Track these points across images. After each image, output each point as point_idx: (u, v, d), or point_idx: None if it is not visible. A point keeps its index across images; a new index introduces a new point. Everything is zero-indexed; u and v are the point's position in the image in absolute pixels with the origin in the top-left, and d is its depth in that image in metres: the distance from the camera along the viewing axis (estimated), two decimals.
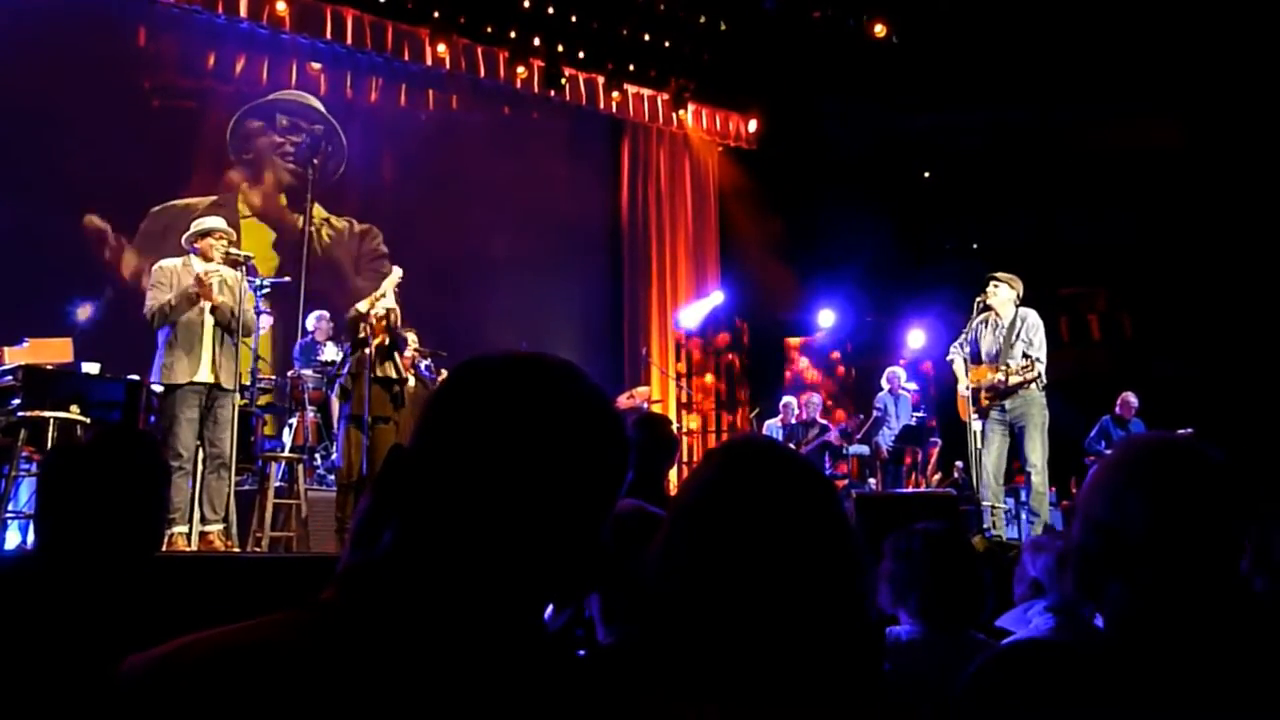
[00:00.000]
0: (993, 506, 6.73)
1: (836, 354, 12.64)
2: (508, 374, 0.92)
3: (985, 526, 6.58)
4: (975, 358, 6.97)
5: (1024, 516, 7.23)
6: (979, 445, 6.82)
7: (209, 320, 5.59)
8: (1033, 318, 6.86)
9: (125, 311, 7.78)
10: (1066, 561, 2.17)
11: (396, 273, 6.80)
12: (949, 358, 7.26)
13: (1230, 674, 1.19)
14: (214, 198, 9.62)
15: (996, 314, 6.94)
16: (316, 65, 10.30)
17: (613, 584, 1.74)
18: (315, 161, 9.60)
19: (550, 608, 1.66)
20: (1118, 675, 1.20)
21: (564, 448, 0.90)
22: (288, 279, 8.19)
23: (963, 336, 7.15)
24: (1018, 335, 6.79)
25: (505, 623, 0.87)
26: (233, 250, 5.80)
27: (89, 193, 8.86)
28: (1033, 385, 6.71)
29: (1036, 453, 6.69)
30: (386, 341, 6.58)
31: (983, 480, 6.76)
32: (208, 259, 5.67)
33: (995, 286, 6.94)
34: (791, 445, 8.98)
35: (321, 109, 10.30)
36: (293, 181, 10.03)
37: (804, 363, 12.64)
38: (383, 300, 6.59)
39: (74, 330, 7.90)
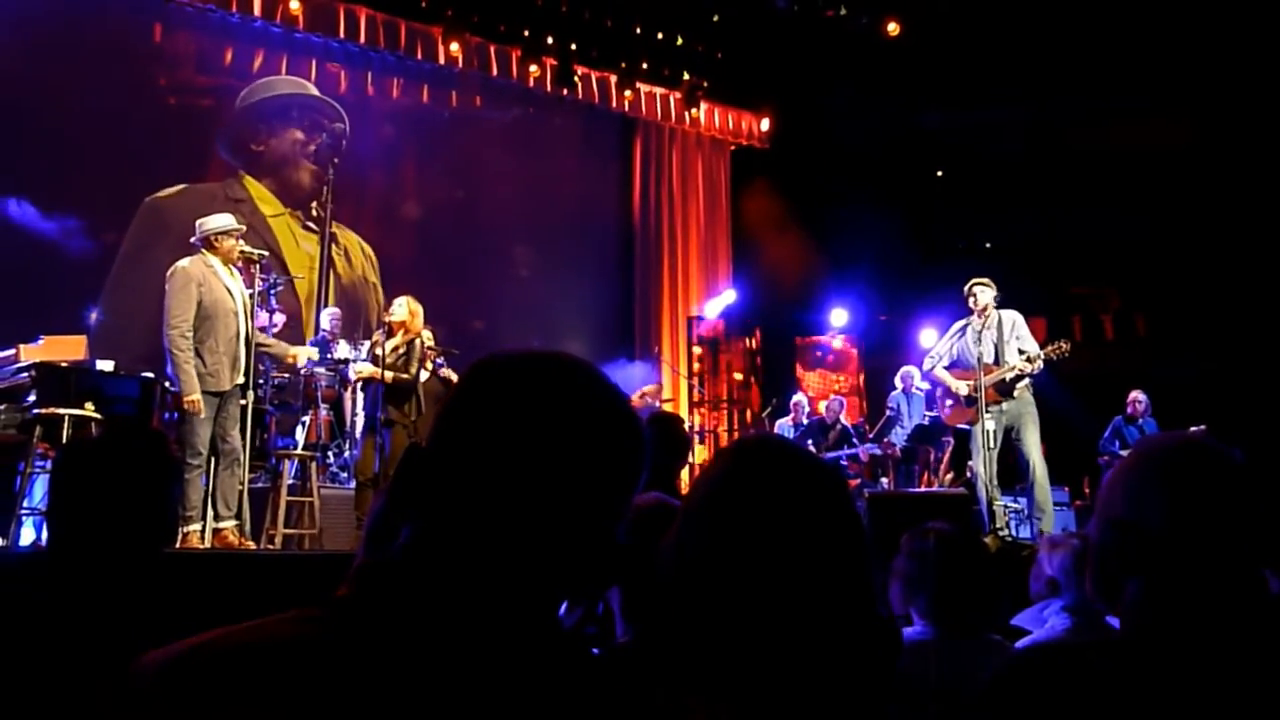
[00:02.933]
0: (1005, 506, 6.76)
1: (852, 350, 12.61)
2: (525, 373, 0.92)
3: (997, 527, 6.57)
4: (964, 364, 7.00)
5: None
6: (991, 445, 6.82)
7: (242, 326, 5.61)
8: (1020, 318, 7.01)
9: (140, 309, 7.81)
10: (1085, 561, 2.16)
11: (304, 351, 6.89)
12: (930, 369, 7.30)
13: (1251, 674, 1.18)
14: (226, 184, 9.61)
15: (982, 318, 6.96)
16: (334, 65, 10.30)
17: (634, 579, 1.72)
18: (335, 160, 9.59)
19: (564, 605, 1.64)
20: (1138, 680, 1.19)
21: (581, 446, 0.89)
22: (300, 276, 8.20)
23: (945, 347, 7.18)
24: (1012, 334, 6.89)
25: (521, 621, 0.87)
26: (246, 249, 5.81)
27: (105, 190, 8.87)
28: (1026, 388, 6.80)
29: (1035, 451, 6.82)
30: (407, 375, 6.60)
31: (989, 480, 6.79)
32: (226, 258, 5.67)
33: (981, 290, 6.99)
34: (811, 447, 8.98)
35: (337, 106, 10.30)
36: (313, 182, 10.02)
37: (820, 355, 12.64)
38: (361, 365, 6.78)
39: (88, 328, 7.93)
